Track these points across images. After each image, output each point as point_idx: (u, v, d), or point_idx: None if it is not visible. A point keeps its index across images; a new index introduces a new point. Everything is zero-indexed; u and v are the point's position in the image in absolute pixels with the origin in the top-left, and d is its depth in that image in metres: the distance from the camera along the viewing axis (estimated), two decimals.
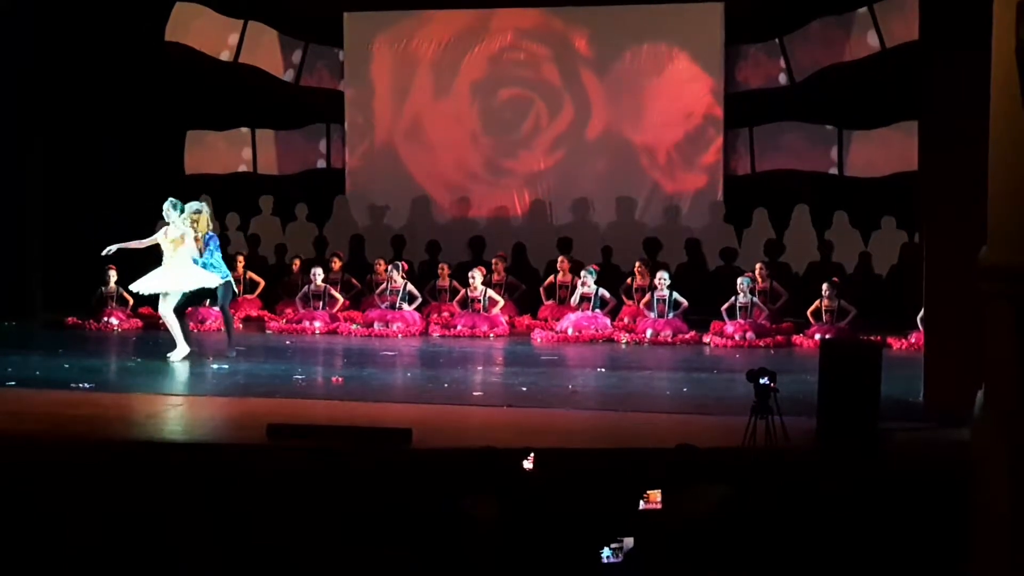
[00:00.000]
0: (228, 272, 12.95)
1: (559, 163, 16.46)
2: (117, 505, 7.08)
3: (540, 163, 16.51)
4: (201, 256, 12.59)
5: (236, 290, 13.89)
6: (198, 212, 12.71)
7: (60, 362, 12.13)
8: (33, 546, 6.66)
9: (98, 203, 16.38)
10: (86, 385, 10.85)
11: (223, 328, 13.34)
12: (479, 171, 16.70)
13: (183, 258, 12.41)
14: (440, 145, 16.73)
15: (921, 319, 12.41)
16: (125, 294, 14.95)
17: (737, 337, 13.82)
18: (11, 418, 9.43)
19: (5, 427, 9.04)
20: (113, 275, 15.05)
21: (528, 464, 7.04)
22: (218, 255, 12.83)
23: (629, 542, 6.27)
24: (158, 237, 12.54)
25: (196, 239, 12.56)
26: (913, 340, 13.15)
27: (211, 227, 13.05)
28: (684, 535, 6.31)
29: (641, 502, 6.48)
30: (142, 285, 12.55)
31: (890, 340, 13.22)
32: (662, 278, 14.49)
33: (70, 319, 15.08)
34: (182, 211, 12.53)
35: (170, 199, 12.70)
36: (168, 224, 12.50)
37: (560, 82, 16.41)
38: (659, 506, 6.46)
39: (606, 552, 6.25)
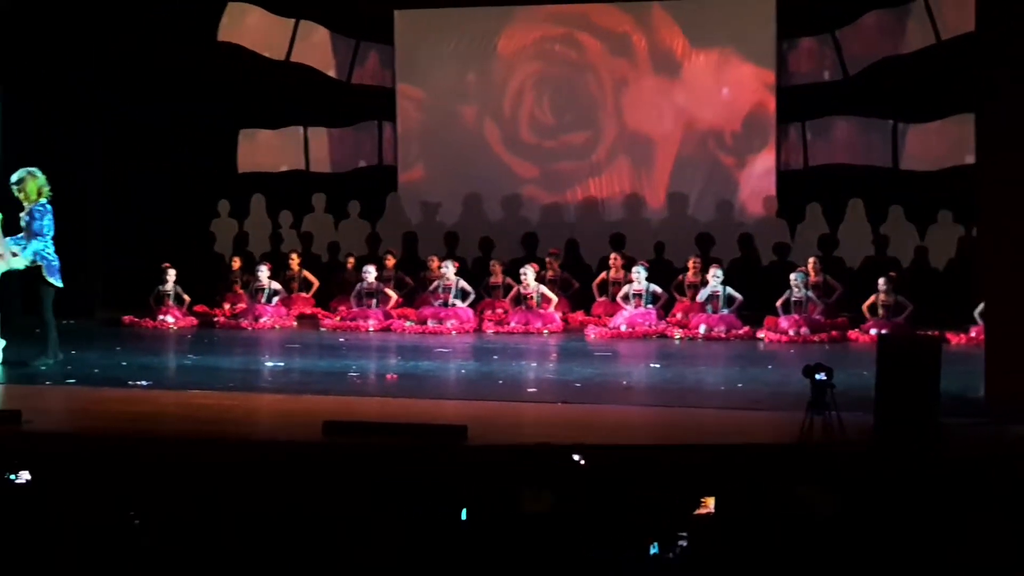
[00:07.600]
0: (53, 256, 11.18)
1: (611, 159, 16.42)
2: (174, 502, 7.13)
3: (592, 160, 16.48)
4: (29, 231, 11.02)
5: (52, 280, 11.21)
6: (20, 180, 11.08)
7: (118, 360, 12.24)
8: (93, 543, 6.73)
9: (155, 203, 16.55)
10: (143, 383, 10.94)
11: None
12: (531, 167, 16.68)
13: None
14: (492, 142, 16.74)
15: (979, 314, 12.27)
16: (182, 293, 15.18)
17: (791, 332, 13.74)
18: (72, 416, 9.54)
19: (66, 424, 9.15)
20: (172, 274, 15.25)
21: (581, 460, 7.03)
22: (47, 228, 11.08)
23: (683, 540, 6.25)
24: None
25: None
26: (972, 335, 13.01)
27: (42, 195, 11.11)
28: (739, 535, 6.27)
29: (698, 508, 6.46)
30: None
31: (948, 335, 13.09)
32: (714, 274, 14.44)
33: (127, 317, 15.23)
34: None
35: None
36: None
37: (613, 78, 16.38)
38: (712, 511, 6.42)
39: (654, 548, 6.24)
